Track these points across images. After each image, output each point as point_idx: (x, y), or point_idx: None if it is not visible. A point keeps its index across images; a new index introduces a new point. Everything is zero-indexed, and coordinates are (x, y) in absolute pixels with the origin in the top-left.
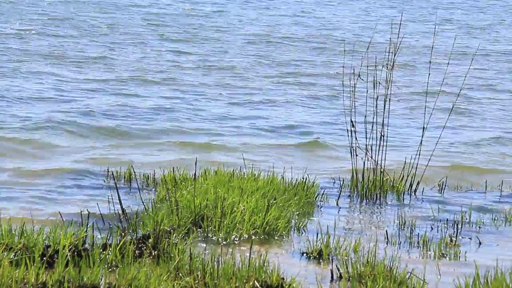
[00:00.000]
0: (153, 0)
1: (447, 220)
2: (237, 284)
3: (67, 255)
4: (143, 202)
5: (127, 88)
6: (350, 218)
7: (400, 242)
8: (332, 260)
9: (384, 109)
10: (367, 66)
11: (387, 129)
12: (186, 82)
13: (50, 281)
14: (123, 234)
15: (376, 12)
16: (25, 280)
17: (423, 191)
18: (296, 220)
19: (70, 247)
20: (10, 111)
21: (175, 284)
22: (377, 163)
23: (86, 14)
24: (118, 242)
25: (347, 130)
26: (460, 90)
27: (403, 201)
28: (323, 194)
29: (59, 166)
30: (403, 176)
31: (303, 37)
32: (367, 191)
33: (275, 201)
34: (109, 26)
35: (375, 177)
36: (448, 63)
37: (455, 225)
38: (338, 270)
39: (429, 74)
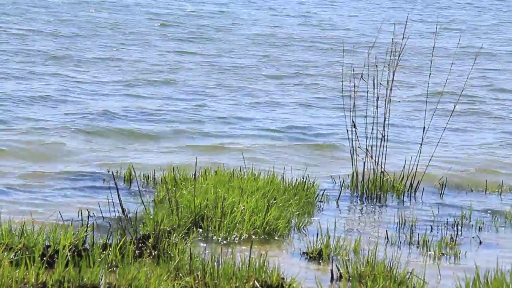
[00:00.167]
0: (155, 0)
1: (447, 220)
2: (237, 284)
3: (67, 255)
4: (143, 202)
5: (133, 89)
6: (350, 218)
7: (400, 242)
8: (332, 260)
9: (385, 109)
10: (368, 66)
11: (388, 129)
12: (191, 83)
13: (50, 281)
14: (123, 234)
15: (383, 12)
16: (25, 280)
17: (423, 191)
18: (296, 220)
19: (70, 247)
20: (17, 112)
21: (175, 284)
22: (377, 163)
23: (91, 14)
24: (118, 242)
25: (347, 131)
26: (462, 91)
27: (403, 201)
28: (323, 194)
29: (60, 166)
30: (403, 176)
31: (307, 38)
32: (367, 191)
33: (275, 201)
34: (114, 26)
35: (375, 177)
36: (452, 63)
37: (455, 225)
38: (338, 270)
39: (430, 75)
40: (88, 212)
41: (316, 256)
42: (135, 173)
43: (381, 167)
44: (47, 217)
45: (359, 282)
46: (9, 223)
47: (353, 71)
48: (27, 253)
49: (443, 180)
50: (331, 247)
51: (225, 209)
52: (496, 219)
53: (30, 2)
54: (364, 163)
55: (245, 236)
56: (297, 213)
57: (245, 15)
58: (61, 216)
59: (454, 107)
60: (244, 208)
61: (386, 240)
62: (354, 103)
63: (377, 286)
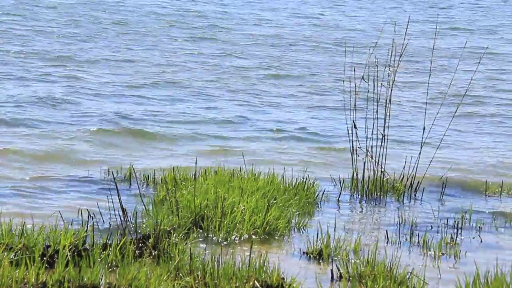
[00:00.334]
0: (158, 1)
1: (447, 220)
2: (237, 284)
3: (67, 255)
4: (143, 202)
5: (138, 91)
6: (350, 218)
7: (400, 242)
8: (332, 260)
9: (386, 109)
10: (368, 66)
11: (388, 130)
12: (196, 84)
13: (50, 281)
14: (123, 234)
15: (386, 13)
16: (25, 280)
17: (423, 191)
18: (296, 220)
19: (70, 247)
20: (23, 113)
21: (175, 284)
22: (377, 163)
23: (95, 14)
24: (118, 242)
25: (348, 131)
26: (465, 92)
27: (403, 201)
28: (323, 194)
29: (62, 166)
30: (403, 176)
31: (310, 38)
32: (367, 191)
33: (275, 201)
34: (119, 26)
35: (375, 177)
36: (458, 64)
37: (455, 225)
38: (338, 270)
39: (430, 75)
40: (88, 212)
41: (316, 256)
42: (135, 173)
43: (381, 167)
44: (47, 217)
45: (359, 282)
46: (9, 223)
47: (354, 71)
48: (27, 253)
49: (443, 181)
50: (331, 247)
51: (225, 209)
52: (496, 219)
53: (37, 2)
54: (364, 163)
55: (245, 236)
56: (297, 213)
57: (248, 15)
58: (61, 216)
59: (457, 108)
60: (244, 208)
61: (386, 240)
62: (355, 103)
63: (377, 286)
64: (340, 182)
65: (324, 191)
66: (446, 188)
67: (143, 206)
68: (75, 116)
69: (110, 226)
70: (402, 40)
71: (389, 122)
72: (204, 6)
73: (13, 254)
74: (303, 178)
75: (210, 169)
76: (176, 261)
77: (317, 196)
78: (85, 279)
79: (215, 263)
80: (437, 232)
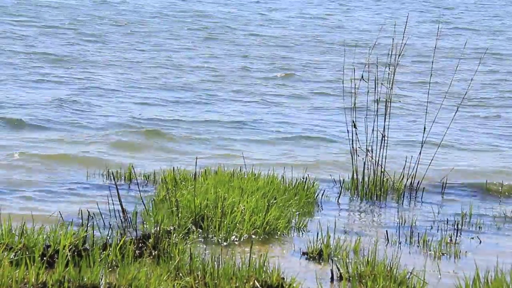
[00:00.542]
0: (161, 1)
1: (447, 219)
2: (237, 284)
3: (67, 255)
4: (143, 202)
5: (141, 92)
6: (350, 218)
7: (400, 242)
8: (332, 260)
9: (386, 109)
10: (368, 66)
11: (388, 130)
12: (197, 86)
13: (50, 281)
14: (123, 234)
15: (388, 13)
16: (25, 280)
17: (423, 191)
18: (296, 220)
19: (70, 247)
20: (32, 113)
21: (175, 284)
22: (377, 163)
23: (98, 15)
24: (118, 242)
25: (348, 131)
26: (466, 92)
27: (403, 201)
28: (323, 194)
29: (63, 166)
30: (403, 176)
31: (313, 38)
32: (367, 191)
33: (275, 201)
34: (123, 27)
35: (375, 177)
36: (457, 64)
37: (455, 225)
38: (338, 270)
39: (431, 75)
40: (88, 212)
41: (316, 256)
42: (135, 173)
43: (381, 167)
44: (47, 217)
45: (359, 282)
46: (9, 223)
47: (354, 71)
48: (27, 253)
49: (444, 181)
50: (331, 247)
51: (225, 209)
52: (496, 218)
53: (45, 2)
54: (364, 163)
55: (245, 236)
56: (297, 213)
57: (252, 16)
58: (61, 216)
59: (457, 109)
60: (244, 208)
61: (386, 240)
62: (355, 103)
63: (377, 286)
64: (340, 182)
65: (324, 191)
66: (446, 188)
67: (143, 206)
68: (83, 118)
69: (110, 226)
70: (405, 41)
71: (389, 122)
72: (207, 7)
73: (13, 254)
74: (303, 178)
75: (210, 169)
76: (176, 261)
77: (317, 196)
78: (85, 279)
79: (215, 263)
80: (437, 232)
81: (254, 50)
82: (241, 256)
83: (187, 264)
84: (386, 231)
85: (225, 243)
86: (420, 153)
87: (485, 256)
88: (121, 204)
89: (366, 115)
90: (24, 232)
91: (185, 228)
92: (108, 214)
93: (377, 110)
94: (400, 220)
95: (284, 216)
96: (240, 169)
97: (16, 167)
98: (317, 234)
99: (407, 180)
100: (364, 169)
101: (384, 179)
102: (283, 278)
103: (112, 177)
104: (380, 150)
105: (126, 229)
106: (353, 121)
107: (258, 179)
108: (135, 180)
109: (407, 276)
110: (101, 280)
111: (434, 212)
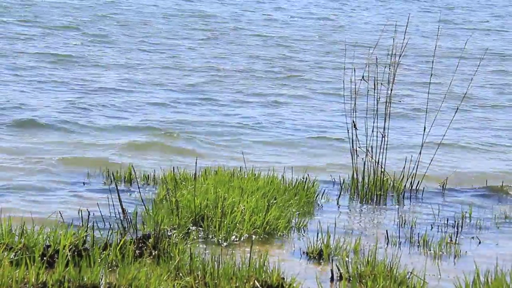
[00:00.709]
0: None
1: (447, 219)
2: (237, 284)
3: (67, 255)
4: (143, 202)
5: (143, 93)
6: (350, 218)
7: (400, 242)
8: (332, 260)
9: (386, 109)
10: (368, 66)
11: (388, 130)
12: (201, 88)
13: (51, 281)
14: (123, 234)
15: (390, 13)
16: (25, 280)
17: (423, 191)
18: (296, 220)
19: (70, 247)
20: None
21: (175, 284)
22: (378, 163)
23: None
24: (118, 242)
25: (348, 131)
26: (466, 92)
27: (404, 201)
28: (323, 194)
29: (64, 166)
30: (403, 176)
31: (315, 39)
32: (367, 191)
33: (275, 201)
34: (126, 28)
35: (375, 177)
36: (458, 63)
37: (456, 225)
38: (339, 270)
39: (431, 75)
40: (88, 212)
41: (316, 256)
42: (135, 173)
43: (381, 167)
44: (47, 217)
45: (359, 282)
46: (9, 223)
47: (354, 71)
48: (27, 253)
49: (444, 181)
50: (331, 247)
51: (225, 209)
52: (496, 218)
53: (52, 2)
54: (364, 163)
55: (245, 236)
56: (297, 213)
57: (254, 16)
58: (61, 216)
59: (457, 109)
60: (244, 208)
61: (386, 240)
62: (355, 103)
63: (377, 286)
64: (340, 182)
65: (324, 191)
66: (446, 189)
67: (143, 206)
68: (83, 118)
69: (110, 226)
70: (407, 41)
71: (389, 122)
72: (211, 7)
73: (13, 254)
74: (303, 178)
75: (210, 169)
76: (176, 261)
77: (317, 196)
78: (85, 279)
79: (215, 263)
80: (437, 232)
81: (257, 50)
82: (241, 256)
83: (187, 264)
84: (386, 231)
85: (225, 243)
86: (420, 153)
87: (485, 256)
88: (121, 204)
89: (366, 115)
90: (24, 232)
91: (185, 228)
92: (108, 214)
93: (377, 110)
94: (400, 220)
95: (284, 216)
96: (240, 169)
97: (16, 168)
98: (317, 234)
99: (407, 180)
100: (364, 169)
101: (384, 179)
102: (283, 278)
103: (112, 178)
104: (380, 150)
105: (126, 229)
106: (353, 121)
107: (258, 179)
108: (135, 180)
109: (407, 276)
110: (101, 280)
111: (434, 212)
